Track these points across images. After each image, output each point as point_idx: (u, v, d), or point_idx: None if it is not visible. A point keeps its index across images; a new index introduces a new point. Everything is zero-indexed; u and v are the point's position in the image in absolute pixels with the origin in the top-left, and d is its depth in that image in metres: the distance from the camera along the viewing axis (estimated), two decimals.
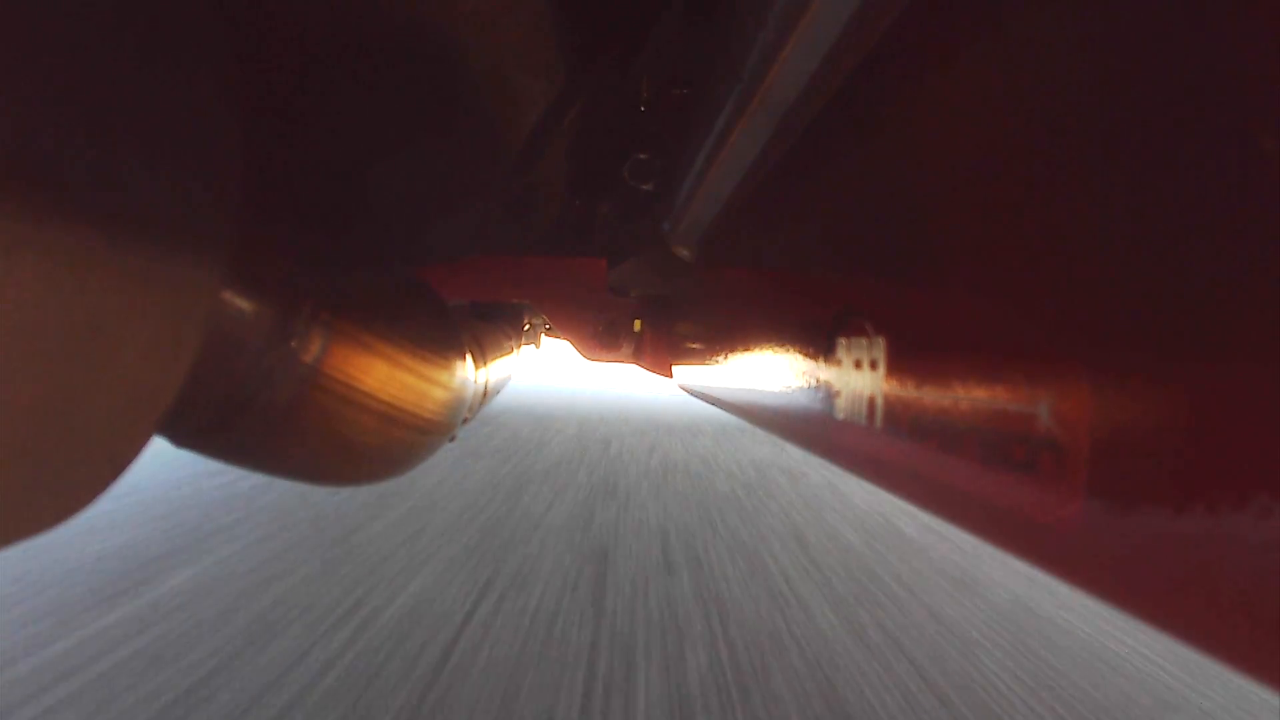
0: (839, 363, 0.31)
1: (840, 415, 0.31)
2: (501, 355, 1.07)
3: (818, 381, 0.34)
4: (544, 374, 5.50)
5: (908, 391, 0.25)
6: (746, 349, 0.52)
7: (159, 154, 0.27)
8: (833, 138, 0.34)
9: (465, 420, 0.66)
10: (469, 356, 0.64)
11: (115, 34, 0.25)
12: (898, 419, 0.25)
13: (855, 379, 0.29)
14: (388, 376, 0.50)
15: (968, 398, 0.20)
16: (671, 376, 0.98)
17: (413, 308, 0.55)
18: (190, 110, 0.29)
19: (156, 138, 0.27)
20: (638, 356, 0.99)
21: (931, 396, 0.23)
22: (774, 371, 0.43)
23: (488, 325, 1.12)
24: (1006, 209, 0.20)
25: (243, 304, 0.41)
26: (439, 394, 0.55)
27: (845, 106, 0.31)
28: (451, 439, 0.63)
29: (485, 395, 0.90)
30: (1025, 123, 0.19)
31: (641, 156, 0.63)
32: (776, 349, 0.43)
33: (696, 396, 0.84)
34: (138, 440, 0.29)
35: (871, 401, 0.27)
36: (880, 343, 0.27)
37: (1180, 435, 0.13)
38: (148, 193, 0.27)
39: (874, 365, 0.28)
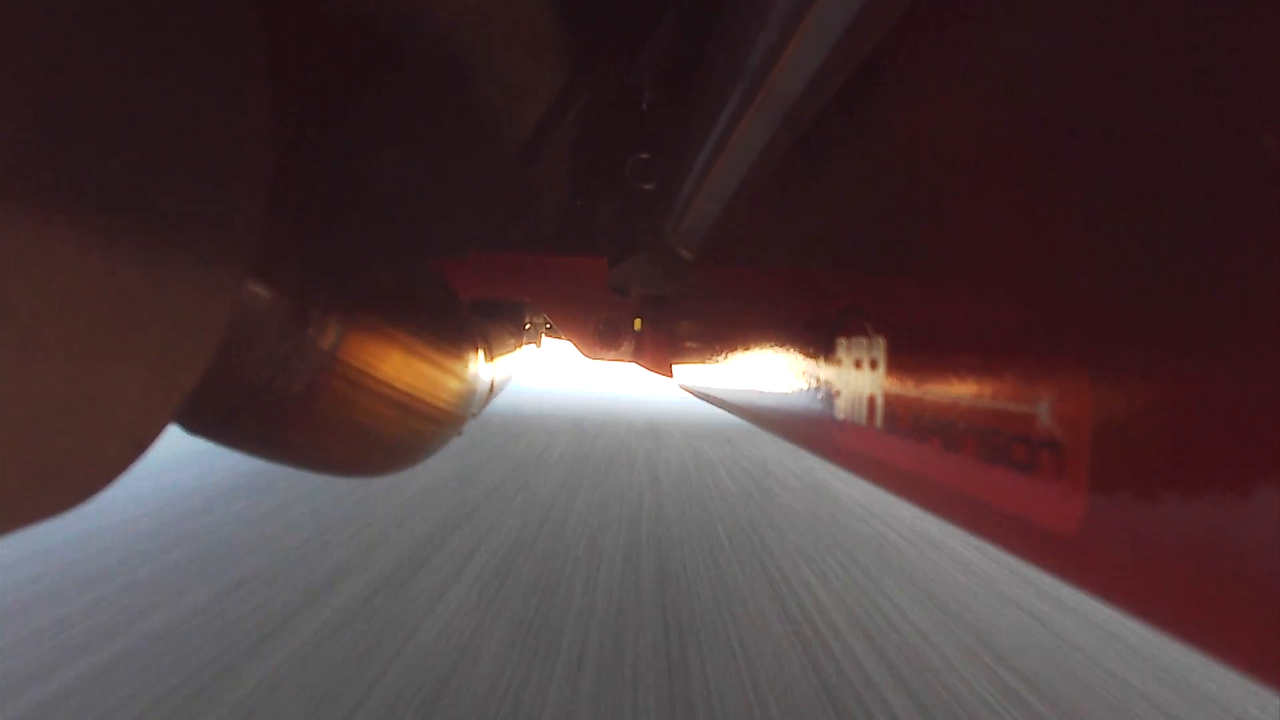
0: (839, 362, 0.31)
1: (840, 415, 0.31)
2: (506, 352, 1.07)
3: (818, 381, 0.34)
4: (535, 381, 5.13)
5: (908, 391, 0.25)
6: (747, 348, 0.52)
7: (189, 150, 0.28)
8: (834, 137, 0.34)
9: (473, 415, 0.66)
10: (479, 350, 0.64)
11: (160, 41, 0.26)
12: (898, 419, 0.25)
13: (855, 378, 0.29)
14: (403, 365, 0.50)
15: (968, 397, 0.21)
16: (671, 376, 0.98)
17: (428, 298, 0.55)
18: (218, 109, 0.30)
19: (187, 135, 0.28)
20: (638, 356, 0.99)
21: (932, 396, 0.23)
22: (774, 371, 0.43)
23: (492, 322, 1.12)
24: (1007, 208, 0.20)
25: (261, 293, 0.41)
26: (452, 384, 0.55)
27: (847, 106, 0.31)
28: (459, 433, 0.63)
29: (492, 390, 0.90)
30: (1026, 122, 0.19)
31: (643, 156, 0.63)
32: (777, 348, 0.43)
33: (696, 396, 0.84)
34: (158, 423, 0.30)
35: (871, 401, 0.28)
36: (880, 342, 0.27)
37: (1181, 434, 0.13)
38: (177, 186, 0.27)
39: (874, 365, 0.28)
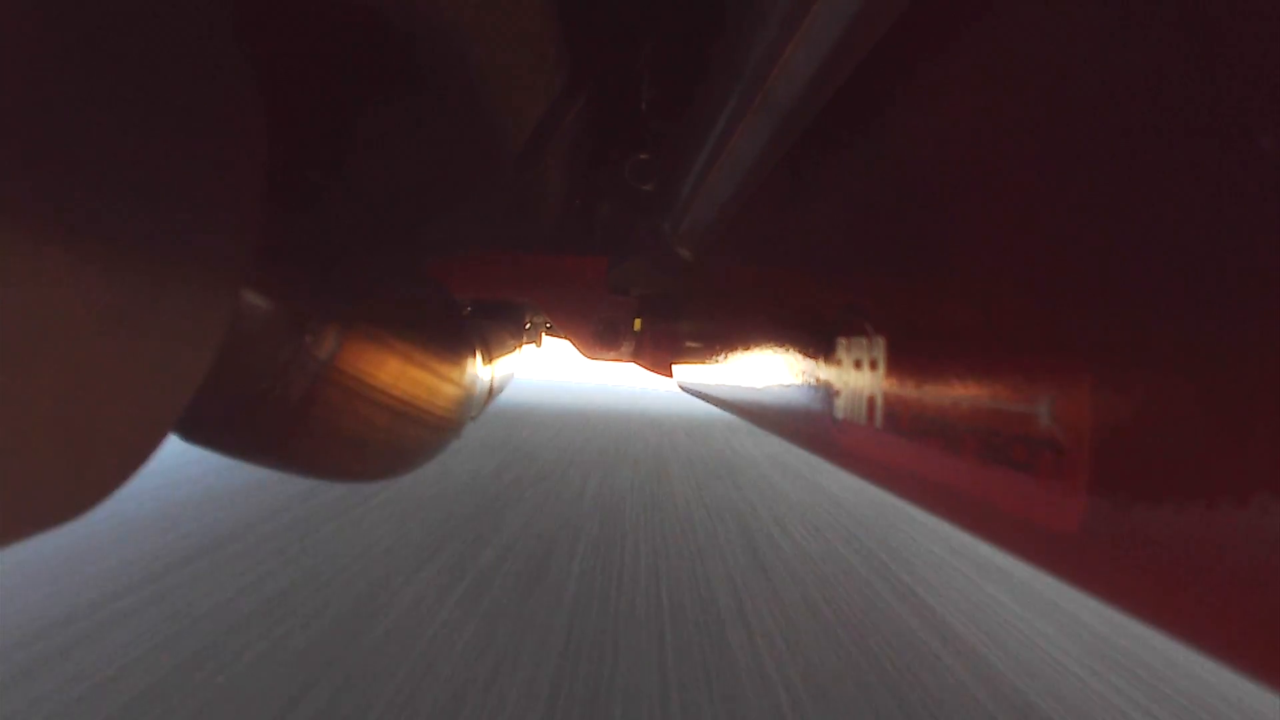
0: (839, 362, 0.31)
1: (840, 415, 0.31)
2: (506, 353, 1.07)
3: (818, 381, 0.34)
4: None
5: (908, 391, 0.25)
6: (746, 348, 0.52)
7: (187, 158, 0.28)
8: (833, 137, 0.34)
9: (472, 418, 0.66)
10: (477, 353, 0.64)
11: (151, 48, 0.26)
12: (898, 419, 0.25)
13: (855, 378, 0.29)
14: (400, 372, 0.50)
15: (968, 397, 0.21)
16: (671, 376, 0.99)
17: (425, 305, 0.55)
18: (212, 117, 0.30)
19: (185, 143, 0.28)
20: (638, 355, 0.99)
21: (932, 396, 0.23)
22: (774, 371, 0.43)
23: (492, 323, 1.12)
24: (1007, 208, 0.20)
25: (259, 301, 0.41)
26: (450, 390, 0.55)
27: (846, 106, 0.31)
28: (458, 437, 0.63)
29: (491, 392, 0.90)
30: (1025, 122, 0.19)
31: (642, 157, 0.63)
32: (776, 348, 0.43)
33: (696, 396, 0.84)
34: (157, 433, 0.30)
35: (871, 401, 0.28)
36: (880, 342, 0.27)
37: (1181, 435, 0.13)
38: (174, 194, 0.27)
39: (874, 365, 0.28)
